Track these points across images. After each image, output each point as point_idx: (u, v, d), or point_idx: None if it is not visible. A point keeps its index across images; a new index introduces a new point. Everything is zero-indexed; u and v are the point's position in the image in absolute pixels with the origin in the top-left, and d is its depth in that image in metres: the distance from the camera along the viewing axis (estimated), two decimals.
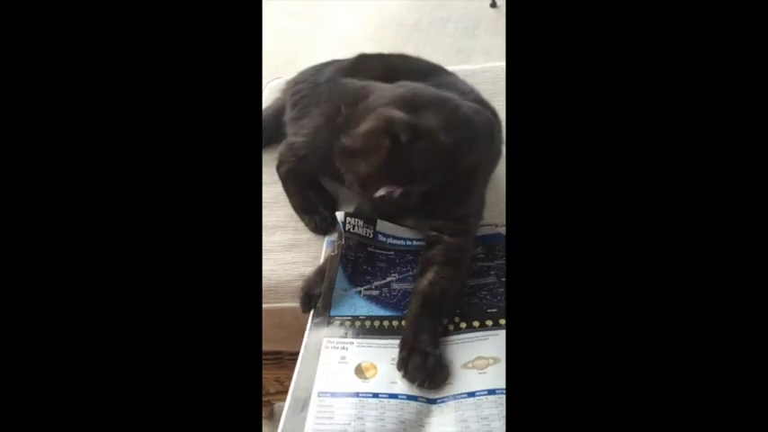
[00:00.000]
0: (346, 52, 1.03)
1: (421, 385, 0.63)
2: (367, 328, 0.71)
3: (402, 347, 0.67)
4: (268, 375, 1.01)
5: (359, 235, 0.81)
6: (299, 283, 0.78)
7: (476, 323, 0.71)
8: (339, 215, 0.81)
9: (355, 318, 0.73)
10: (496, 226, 0.85)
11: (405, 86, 0.84)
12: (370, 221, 0.82)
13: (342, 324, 0.72)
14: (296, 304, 0.77)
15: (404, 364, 0.65)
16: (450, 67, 1.01)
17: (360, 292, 0.76)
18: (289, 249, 0.87)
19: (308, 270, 0.81)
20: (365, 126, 0.74)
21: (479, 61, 1.33)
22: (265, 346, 0.93)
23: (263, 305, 0.83)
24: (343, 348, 0.69)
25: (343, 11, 2.62)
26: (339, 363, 0.67)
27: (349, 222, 0.80)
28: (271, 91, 1.13)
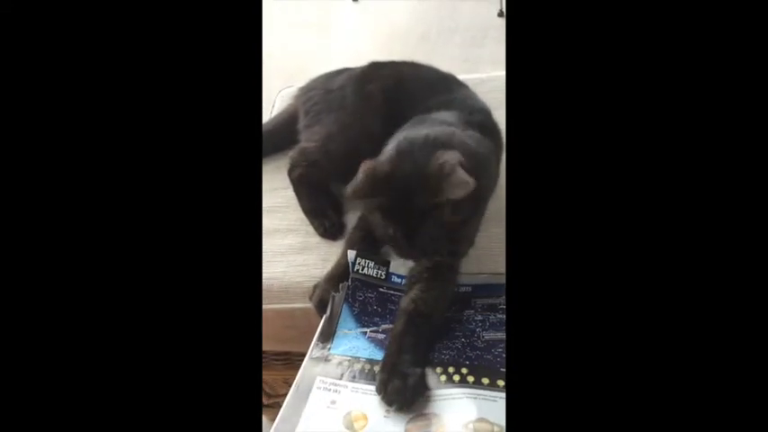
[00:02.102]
0: (357, 62, 1.04)
1: (399, 410, 0.61)
2: (365, 373, 0.67)
3: (383, 368, 0.65)
4: (277, 376, 1.03)
5: (369, 276, 0.79)
6: (310, 284, 0.80)
7: (485, 380, 0.65)
8: (350, 254, 0.79)
9: (355, 359, 0.69)
10: None
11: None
12: (383, 262, 0.80)
13: (339, 364, 0.68)
14: (307, 305, 0.78)
15: (383, 387, 0.62)
16: (460, 77, 1.03)
17: (365, 333, 0.72)
18: (300, 252, 0.89)
19: (319, 272, 0.83)
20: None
21: (487, 70, 1.35)
22: (276, 347, 0.95)
23: (277, 305, 0.85)
24: (335, 392, 0.64)
25: (354, 22, 2.66)
26: (328, 407, 0.62)
27: (359, 263, 0.79)
28: (283, 99, 1.16)
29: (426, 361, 0.68)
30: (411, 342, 0.67)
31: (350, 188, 0.71)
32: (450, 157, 0.69)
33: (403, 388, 0.62)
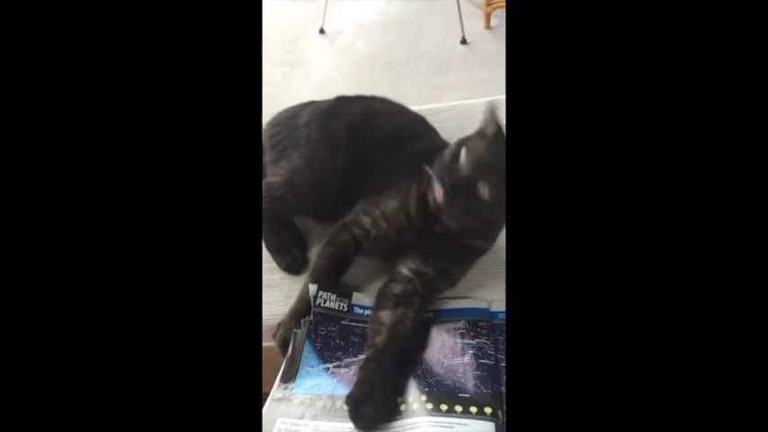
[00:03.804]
0: (323, 93, 1.05)
1: (368, 429, 0.63)
2: (327, 410, 0.66)
3: (359, 385, 0.65)
4: None
5: (331, 309, 0.79)
6: (275, 322, 0.79)
7: (443, 406, 0.65)
8: (312, 288, 0.79)
9: (317, 397, 0.68)
10: (483, 301, 0.81)
11: None
12: (344, 294, 0.81)
13: (301, 403, 0.67)
14: (271, 343, 0.77)
15: (356, 410, 0.63)
16: (416, 107, 1.05)
17: (328, 369, 0.72)
18: (264, 290, 0.87)
19: (282, 309, 0.81)
20: None
21: (452, 97, 1.39)
22: None
23: None
24: None
25: (321, 52, 2.69)
26: None
27: (320, 296, 0.79)
28: None
29: (395, 390, 0.68)
30: (390, 360, 0.68)
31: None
32: None
33: (373, 415, 0.63)
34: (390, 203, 0.82)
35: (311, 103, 1.04)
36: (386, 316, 0.76)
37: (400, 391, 0.68)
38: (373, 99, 1.03)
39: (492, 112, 0.73)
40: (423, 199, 0.78)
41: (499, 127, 0.73)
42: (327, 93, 1.05)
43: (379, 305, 0.78)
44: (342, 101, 1.01)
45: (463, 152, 0.72)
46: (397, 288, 0.79)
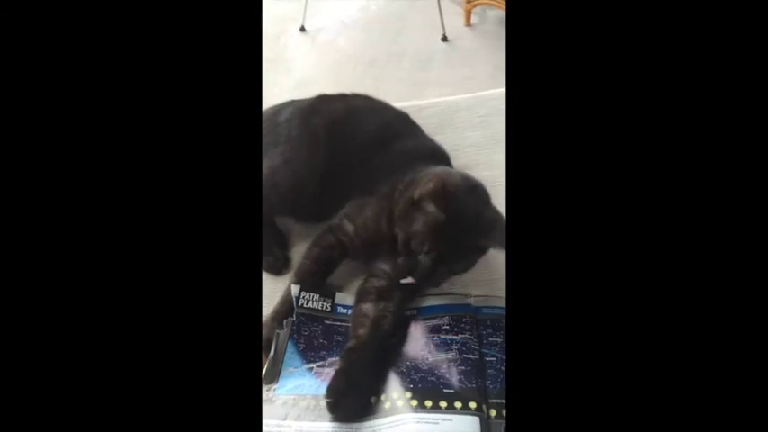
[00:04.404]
0: (305, 91, 1.05)
1: (346, 421, 0.63)
2: (311, 410, 0.66)
3: (341, 374, 0.65)
4: None
5: (314, 309, 0.79)
6: None
7: (428, 402, 0.65)
8: (294, 289, 0.79)
9: (300, 397, 0.67)
10: (466, 296, 0.81)
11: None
12: (328, 294, 0.81)
13: (284, 404, 0.67)
14: None
15: (335, 403, 0.64)
16: (398, 104, 1.05)
17: (311, 369, 0.72)
18: None
19: (264, 310, 0.81)
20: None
21: (434, 94, 1.39)
22: None
23: None
24: None
25: (303, 50, 2.67)
26: None
27: (303, 297, 0.78)
28: None
29: (376, 386, 0.69)
30: (372, 356, 0.68)
31: (418, 192, 0.72)
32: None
33: (350, 411, 0.64)
34: (372, 211, 0.82)
35: (292, 102, 1.03)
36: (369, 309, 0.76)
37: (381, 386, 0.69)
38: (354, 97, 1.02)
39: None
40: (391, 215, 0.78)
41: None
42: (310, 90, 1.04)
43: (360, 299, 0.78)
44: (323, 99, 1.01)
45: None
46: (377, 282, 0.79)
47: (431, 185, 0.72)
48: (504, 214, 0.70)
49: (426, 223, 0.71)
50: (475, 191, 0.76)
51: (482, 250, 0.75)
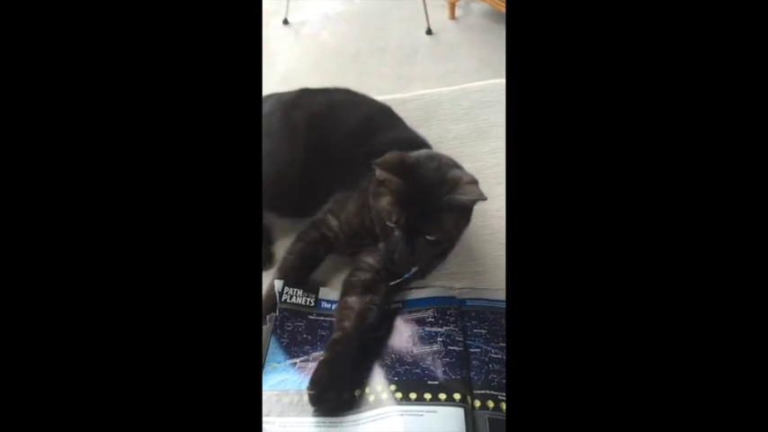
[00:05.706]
0: (289, 84, 1.04)
1: (328, 415, 0.63)
2: (294, 405, 0.65)
3: (324, 365, 0.65)
4: None
5: (297, 304, 0.78)
6: None
7: (413, 395, 0.65)
8: (277, 284, 0.78)
9: (283, 392, 0.67)
10: (450, 288, 0.81)
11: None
12: (311, 289, 0.80)
13: (267, 400, 0.66)
14: None
15: (318, 395, 0.64)
16: (381, 97, 1.05)
17: (295, 364, 0.71)
18: None
19: None
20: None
21: (419, 87, 1.39)
22: None
23: None
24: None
25: (286, 44, 2.65)
26: None
27: (287, 292, 0.78)
28: None
29: (360, 379, 0.69)
30: (350, 350, 0.68)
31: (379, 160, 0.73)
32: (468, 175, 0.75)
33: (332, 405, 0.64)
34: (355, 205, 0.82)
35: (274, 94, 1.03)
36: (354, 302, 0.76)
37: (365, 379, 0.69)
38: (336, 91, 1.01)
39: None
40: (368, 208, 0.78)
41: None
42: (293, 83, 1.04)
43: (346, 292, 0.78)
44: (305, 93, 1.00)
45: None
46: (363, 275, 0.79)
47: (390, 160, 0.73)
48: (482, 195, 0.71)
49: (391, 193, 0.72)
50: (436, 158, 0.76)
51: (454, 209, 0.73)
